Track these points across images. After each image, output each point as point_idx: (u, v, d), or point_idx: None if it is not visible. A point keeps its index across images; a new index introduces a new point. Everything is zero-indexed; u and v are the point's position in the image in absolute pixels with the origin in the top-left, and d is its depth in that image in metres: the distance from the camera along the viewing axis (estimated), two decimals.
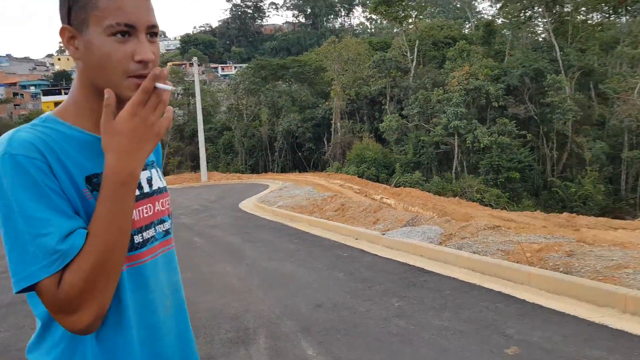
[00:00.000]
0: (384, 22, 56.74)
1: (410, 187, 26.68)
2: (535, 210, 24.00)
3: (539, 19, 37.26)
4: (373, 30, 78.69)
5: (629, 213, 26.82)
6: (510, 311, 4.30)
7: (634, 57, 31.14)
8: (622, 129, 30.20)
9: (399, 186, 27.30)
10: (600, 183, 29.06)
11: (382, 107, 37.58)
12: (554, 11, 35.27)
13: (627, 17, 37.86)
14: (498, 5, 39.21)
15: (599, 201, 28.11)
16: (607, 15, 39.25)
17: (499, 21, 41.25)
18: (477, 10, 58.75)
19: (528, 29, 38.99)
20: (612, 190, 30.37)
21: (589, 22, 38.76)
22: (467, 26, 53.00)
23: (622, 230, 19.07)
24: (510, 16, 37.66)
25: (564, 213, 22.68)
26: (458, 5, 60.55)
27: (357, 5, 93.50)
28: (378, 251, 7.00)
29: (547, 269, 5.17)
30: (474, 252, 6.05)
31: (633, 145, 30.21)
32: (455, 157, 31.10)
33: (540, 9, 35.32)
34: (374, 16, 53.11)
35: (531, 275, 5.05)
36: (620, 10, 37.43)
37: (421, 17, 42.61)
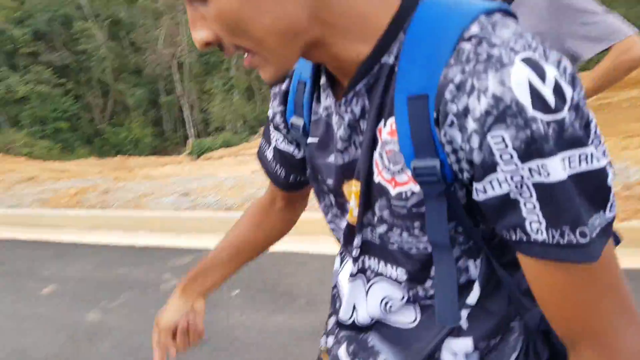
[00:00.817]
0: None
1: None
2: (90, 157, 24.04)
3: None
4: None
5: (175, 150, 30.33)
6: (48, 255, 4.38)
7: (155, 10, 33.70)
8: (156, 76, 33.13)
9: None
10: (148, 126, 31.50)
11: None
12: None
13: None
14: None
15: (149, 143, 30.61)
16: None
17: None
18: None
19: None
20: (158, 132, 33.42)
21: None
22: None
23: (169, 165, 21.60)
24: None
25: (118, 156, 23.72)
26: None
27: None
28: None
29: (84, 208, 5.46)
30: (9, 207, 5.71)
31: (168, 91, 33.79)
32: None
33: None
34: None
35: (69, 217, 5.23)
36: None
37: None
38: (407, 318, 0.66)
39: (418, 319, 0.65)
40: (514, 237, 0.50)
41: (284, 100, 0.76)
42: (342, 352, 0.73)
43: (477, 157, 0.48)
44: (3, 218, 5.41)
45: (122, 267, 3.85)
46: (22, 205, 5.69)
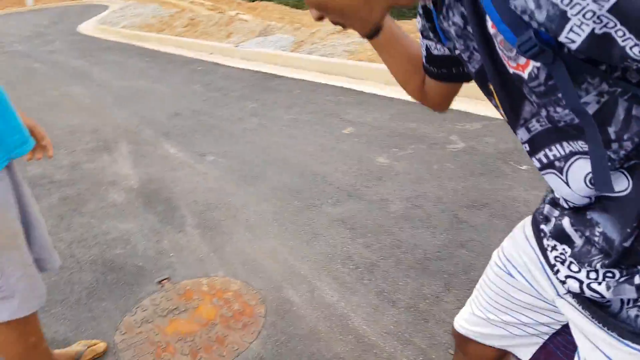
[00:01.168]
0: None
1: (267, 0, 25.69)
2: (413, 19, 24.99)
3: None
4: None
5: None
6: (350, 101, 4.89)
7: None
8: None
9: (254, 0, 26.13)
10: None
11: None
12: None
13: None
14: None
15: None
16: None
17: None
18: None
19: None
20: None
21: None
22: None
23: None
24: None
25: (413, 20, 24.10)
26: None
27: None
28: (232, 63, 7.12)
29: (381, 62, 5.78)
30: (323, 55, 6.46)
31: None
32: None
33: None
34: None
35: (370, 70, 5.64)
36: None
37: None
38: (620, 186, 0.64)
39: (630, 184, 0.64)
40: (634, 67, 0.51)
41: (429, 18, 0.81)
42: (566, 223, 0.77)
43: (542, 15, 0.51)
44: (318, 65, 6.18)
45: (414, 122, 4.05)
46: (334, 55, 6.36)
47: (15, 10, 24.83)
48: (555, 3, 0.48)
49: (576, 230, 0.75)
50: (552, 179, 0.72)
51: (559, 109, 0.62)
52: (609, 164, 0.64)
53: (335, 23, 0.73)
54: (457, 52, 0.75)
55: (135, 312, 2.19)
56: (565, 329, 0.93)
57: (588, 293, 0.73)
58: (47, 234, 1.52)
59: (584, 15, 0.48)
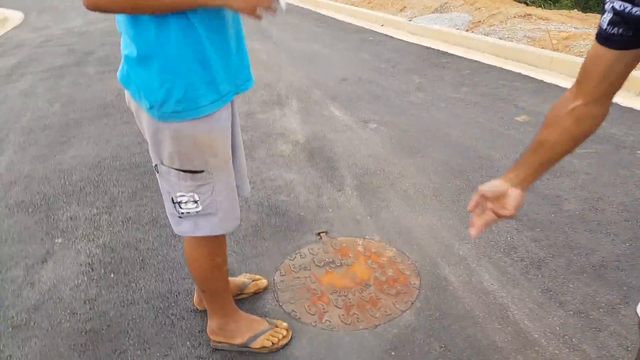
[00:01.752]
0: None
1: None
2: (573, 10, 22.58)
3: None
4: None
5: None
6: (527, 88, 4.54)
7: None
8: None
9: None
10: None
11: None
12: None
13: None
14: None
15: None
16: None
17: None
18: None
19: None
20: None
21: None
22: None
23: None
24: None
25: None
26: None
27: None
28: (403, 36, 7.02)
29: (571, 54, 5.26)
30: (500, 38, 6.07)
31: None
32: None
33: None
34: None
35: (554, 60, 5.16)
36: None
37: None
38: None
39: None
40: None
41: None
42: None
43: None
44: (494, 48, 5.83)
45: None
46: (512, 39, 5.94)
47: None
48: None
49: None
50: None
51: None
52: None
53: None
54: None
55: (295, 257, 2.32)
56: None
57: None
58: (245, 164, 1.65)
59: None
